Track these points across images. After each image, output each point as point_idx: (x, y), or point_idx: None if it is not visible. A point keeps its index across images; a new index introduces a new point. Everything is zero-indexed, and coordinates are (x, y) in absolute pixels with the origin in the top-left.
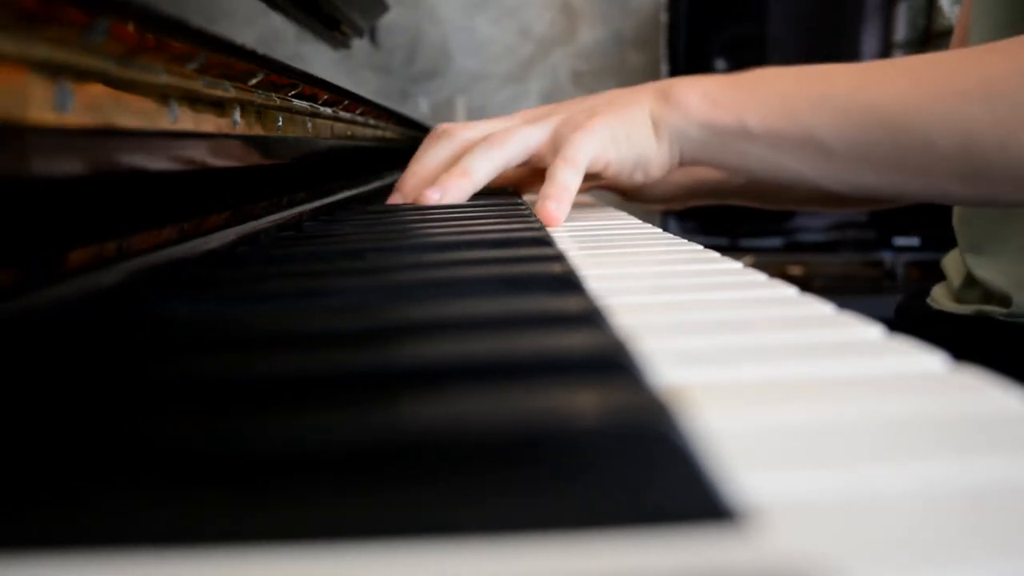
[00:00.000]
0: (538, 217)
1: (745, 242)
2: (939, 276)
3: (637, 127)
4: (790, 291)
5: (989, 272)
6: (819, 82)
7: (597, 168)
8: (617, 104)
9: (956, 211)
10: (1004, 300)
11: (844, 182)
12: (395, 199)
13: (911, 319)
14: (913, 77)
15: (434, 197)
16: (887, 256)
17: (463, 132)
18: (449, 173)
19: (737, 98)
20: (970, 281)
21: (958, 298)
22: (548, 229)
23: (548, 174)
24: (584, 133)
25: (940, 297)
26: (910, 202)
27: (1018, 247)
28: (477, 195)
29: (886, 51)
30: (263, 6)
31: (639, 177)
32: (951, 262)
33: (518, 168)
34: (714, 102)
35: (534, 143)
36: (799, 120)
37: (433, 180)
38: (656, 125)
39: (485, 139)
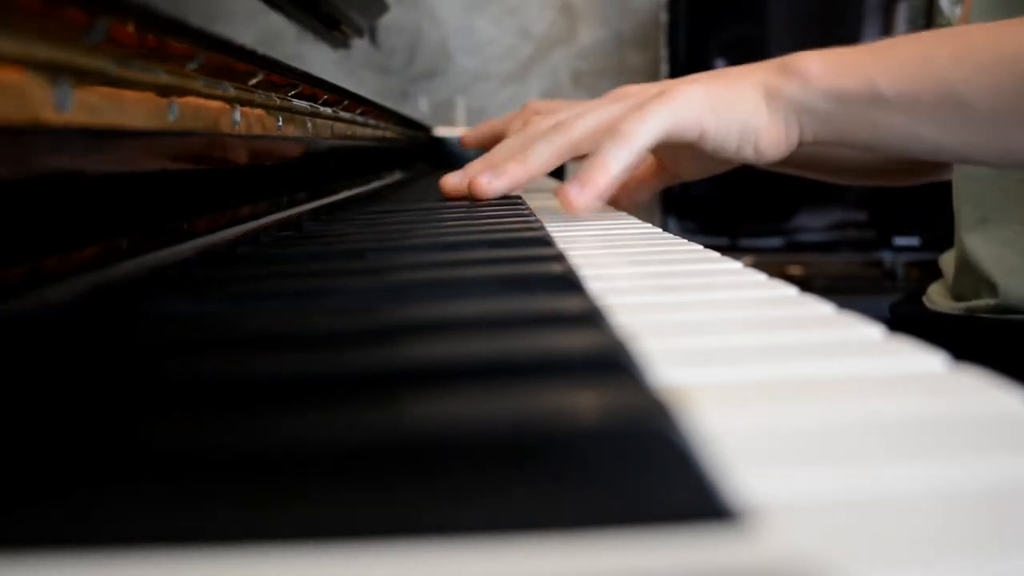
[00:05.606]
0: (559, 200)
1: (745, 242)
2: (939, 275)
3: (744, 96)
4: (790, 291)
5: (983, 251)
6: (956, 39)
7: (691, 136)
8: (724, 74)
9: (956, 184)
10: (992, 289)
11: (990, 147)
12: (451, 181)
13: (903, 320)
14: None
15: (483, 182)
16: (887, 256)
17: (541, 118)
18: (507, 159)
19: (865, 61)
20: (963, 266)
21: (953, 293)
22: (548, 228)
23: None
24: (659, 105)
25: (935, 295)
26: None
27: (1016, 219)
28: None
29: None
30: (263, 6)
31: (748, 153)
32: (948, 255)
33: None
34: (839, 67)
35: (605, 122)
36: (938, 78)
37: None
38: (770, 97)
39: (554, 125)
